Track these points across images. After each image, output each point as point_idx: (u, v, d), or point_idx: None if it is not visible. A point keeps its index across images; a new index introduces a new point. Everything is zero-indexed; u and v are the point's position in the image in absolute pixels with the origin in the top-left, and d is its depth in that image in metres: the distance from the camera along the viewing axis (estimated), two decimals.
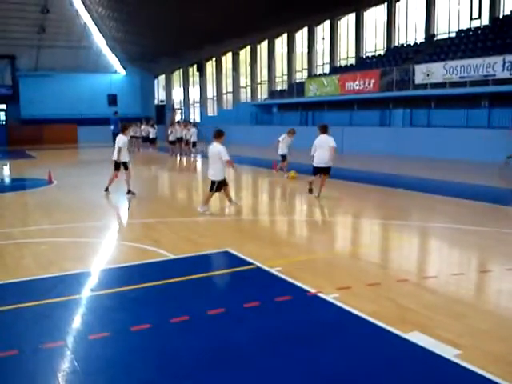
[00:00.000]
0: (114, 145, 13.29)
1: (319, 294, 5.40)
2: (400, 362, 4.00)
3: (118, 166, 12.60)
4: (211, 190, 10.04)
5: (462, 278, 6.06)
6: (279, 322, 4.80)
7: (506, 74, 20.64)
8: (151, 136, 30.07)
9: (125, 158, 12.65)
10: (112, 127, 29.14)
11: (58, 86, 45.06)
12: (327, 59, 35.78)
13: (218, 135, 10.05)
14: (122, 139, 12.62)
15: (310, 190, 12.13)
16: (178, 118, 47.30)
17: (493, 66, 21.12)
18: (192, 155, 25.68)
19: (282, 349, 4.22)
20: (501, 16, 25.43)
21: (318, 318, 4.86)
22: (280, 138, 16.01)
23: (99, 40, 46.08)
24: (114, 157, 12.53)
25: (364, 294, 5.41)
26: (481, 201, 11.18)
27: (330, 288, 5.57)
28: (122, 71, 50.25)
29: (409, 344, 4.25)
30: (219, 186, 10.02)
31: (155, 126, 31.11)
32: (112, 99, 47.82)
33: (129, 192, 12.51)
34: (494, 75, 21.07)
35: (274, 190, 14.67)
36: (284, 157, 15.90)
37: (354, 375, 3.79)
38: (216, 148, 9.94)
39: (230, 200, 10.56)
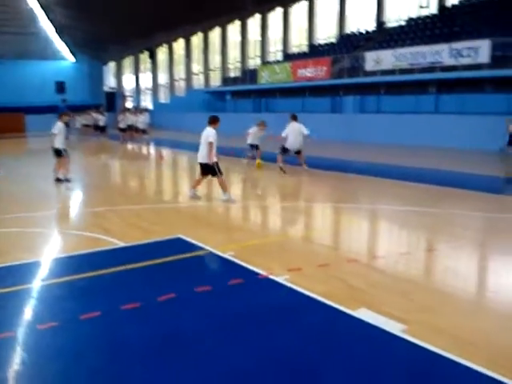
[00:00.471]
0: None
1: (270, 276, 5.44)
2: (349, 338, 4.09)
3: (58, 152, 12.32)
4: (218, 172, 9.82)
5: (408, 257, 6.24)
6: (231, 305, 4.82)
7: (452, 61, 21.23)
8: (101, 124, 29.44)
9: (59, 144, 12.33)
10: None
11: (5, 73, 43.37)
12: (280, 46, 35.86)
13: (213, 121, 9.95)
14: (57, 126, 12.35)
15: (282, 169, 13.51)
16: (129, 105, 46.40)
17: (440, 53, 21.68)
18: (142, 142, 25.32)
19: (233, 331, 4.24)
20: (448, 5, 26.10)
21: (269, 300, 4.90)
22: (250, 130, 15.69)
23: (47, 26, 44.56)
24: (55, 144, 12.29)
25: (314, 275, 5.49)
26: (428, 183, 11.52)
27: (281, 270, 5.62)
28: (70, 58, 48.81)
29: (358, 321, 4.34)
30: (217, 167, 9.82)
31: (105, 114, 30.45)
32: (60, 87, 46.42)
33: (58, 180, 12.31)
34: (441, 62, 21.64)
35: (229, 176, 14.64)
36: (255, 146, 15.50)
37: (305, 354, 3.84)
38: (207, 131, 9.86)
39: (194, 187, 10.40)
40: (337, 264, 5.90)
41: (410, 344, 3.91)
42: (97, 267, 5.92)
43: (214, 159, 9.83)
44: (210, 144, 9.69)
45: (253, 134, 15.51)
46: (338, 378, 3.48)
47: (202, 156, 9.92)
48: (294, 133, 13.67)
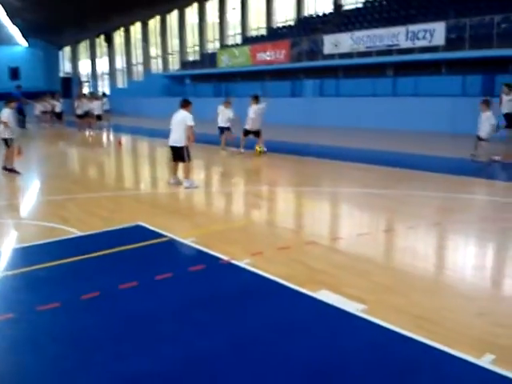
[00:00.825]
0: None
1: (232, 261, 5.46)
2: (310, 319, 4.15)
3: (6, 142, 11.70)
4: (186, 158, 9.63)
5: (368, 238, 6.36)
6: (192, 291, 4.81)
7: (409, 44, 21.56)
8: (57, 110, 28.66)
9: (5, 134, 11.55)
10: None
11: None
12: (239, 29, 35.62)
13: (185, 104, 9.81)
14: (5, 112, 11.51)
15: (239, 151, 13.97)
16: (85, 90, 45.34)
17: (397, 35, 21.97)
18: (100, 129, 24.85)
19: (194, 317, 4.24)
20: None
21: (230, 285, 4.92)
22: (218, 111, 15.38)
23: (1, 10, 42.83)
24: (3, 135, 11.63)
25: (275, 258, 5.54)
26: (387, 166, 11.73)
27: (242, 255, 5.64)
28: (24, 43, 47.20)
29: (318, 302, 4.41)
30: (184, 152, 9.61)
31: (60, 100, 29.66)
32: (14, 72, 44.91)
33: (5, 169, 11.71)
34: (398, 45, 21.94)
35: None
36: (225, 129, 15.13)
37: (267, 337, 3.88)
38: (182, 114, 9.65)
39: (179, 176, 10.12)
40: (298, 247, 5.96)
41: (368, 323, 4.00)
42: (55, 257, 5.80)
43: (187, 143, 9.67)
44: (191, 128, 9.50)
45: (222, 115, 15.16)
46: (299, 360, 3.54)
47: (175, 140, 9.71)
48: (254, 114, 14.03)
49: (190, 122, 9.48)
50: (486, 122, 12.06)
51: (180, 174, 9.99)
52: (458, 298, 4.51)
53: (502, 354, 3.49)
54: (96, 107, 24.59)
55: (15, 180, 11.51)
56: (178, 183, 9.89)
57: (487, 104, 12.19)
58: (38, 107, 29.10)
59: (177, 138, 9.66)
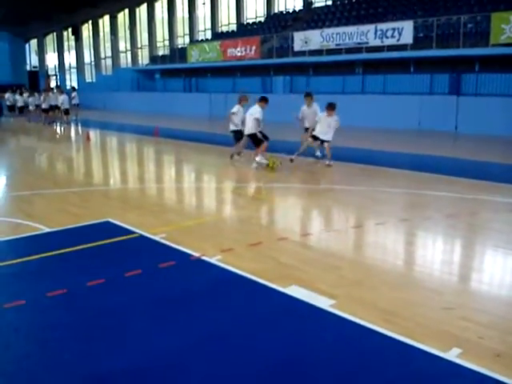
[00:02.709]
0: None
1: (203, 258, 5.43)
2: (280, 315, 4.16)
3: None
4: (263, 139, 11.40)
5: (336, 233, 6.42)
6: (162, 287, 4.77)
7: (377, 42, 21.81)
8: (19, 104, 28.07)
9: None
10: None
11: None
12: (209, 25, 35.45)
13: (262, 100, 11.76)
14: None
15: (232, 156, 12.51)
16: (52, 84, 44.41)
17: (366, 33, 22.19)
18: (67, 123, 24.46)
19: (164, 313, 4.21)
20: None
21: (201, 281, 4.90)
22: (234, 110, 12.14)
23: None
24: None
25: (246, 254, 5.54)
26: (355, 162, 11.86)
27: (213, 251, 5.62)
28: None
29: (288, 298, 4.43)
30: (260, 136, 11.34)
31: (23, 95, 29.08)
32: None
33: None
34: (367, 43, 22.16)
35: (159, 157, 14.43)
36: (239, 134, 12.18)
37: (236, 332, 3.88)
38: (254, 109, 11.54)
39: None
40: (269, 243, 5.97)
41: (337, 318, 4.04)
42: (20, 254, 5.68)
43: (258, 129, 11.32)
44: (257, 120, 11.25)
45: (237, 116, 12.12)
46: (268, 354, 3.54)
47: (248, 128, 11.48)
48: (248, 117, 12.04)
49: (257, 115, 11.31)
50: (332, 125, 11.93)
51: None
52: (426, 293, 4.59)
53: (469, 348, 3.57)
54: (64, 101, 24.17)
55: None
56: (263, 163, 11.18)
57: (333, 108, 12.06)
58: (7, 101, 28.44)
59: (250, 126, 11.41)
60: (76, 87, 32.40)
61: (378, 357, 3.52)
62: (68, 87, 42.37)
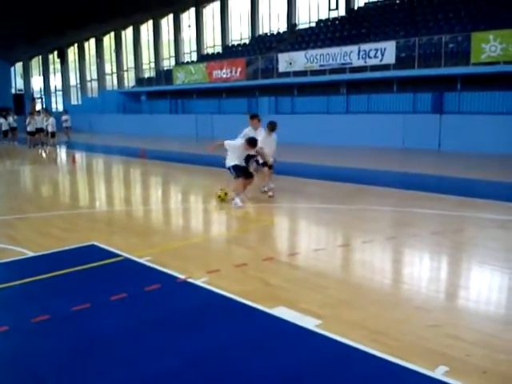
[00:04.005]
0: None
1: (189, 280, 5.39)
2: (267, 336, 4.13)
3: None
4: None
5: (323, 252, 6.41)
6: (147, 311, 4.72)
7: (361, 62, 22.11)
8: (3, 128, 27.97)
9: None
10: None
11: None
12: (194, 47, 35.74)
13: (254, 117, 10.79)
14: None
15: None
16: (38, 107, 44.31)
17: (349, 54, 22.50)
18: (53, 145, 24.42)
19: (150, 337, 4.16)
20: (355, 7, 27.12)
21: (186, 303, 4.86)
22: (259, 137, 10.12)
23: None
24: None
25: (232, 275, 5.51)
26: (341, 181, 11.92)
27: (199, 272, 5.59)
28: None
29: (274, 319, 4.40)
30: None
31: (14, 117, 28.99)
32: None
33: None
34: (351, 63, 22.47)
35: (146, 179, 14.40)
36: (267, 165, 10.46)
37: (224, 355, 3.84)
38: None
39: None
40: (255, 263, 5.95)
41: (324, 338, 4.02)
42: (4, 279, 5.60)
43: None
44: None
45: (265, 144, 10.36)
46: (255, 377, 3.51)
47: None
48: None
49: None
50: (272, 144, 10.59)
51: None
52: (412, 310, 4.59)
53: (455, 366, 3.56)
54: (52, 124, 24.26)
55: None
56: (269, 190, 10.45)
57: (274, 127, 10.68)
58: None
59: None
60: (67, 110, 32.42)
61: (364, 376, 3.50)
62: (54, 110, 42.33)
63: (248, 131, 10.81)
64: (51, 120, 24.52)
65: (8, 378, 3.62)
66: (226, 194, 9.83)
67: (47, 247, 6.82)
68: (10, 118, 28.26)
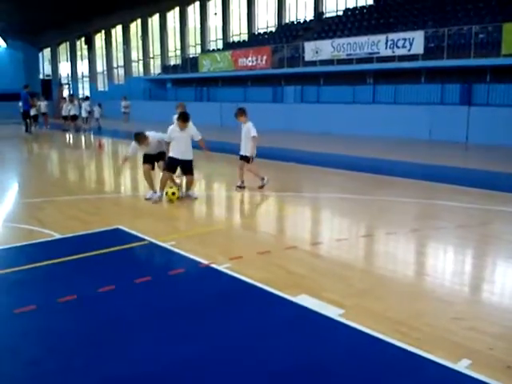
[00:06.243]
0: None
1: (212, 265, 5.44)
2: (289, 324, 4.16)
3: None
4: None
5: (346, 243, 6.40)
6: (171, 295, 4.80)
7: (388, 52, 21.79)
8: (32, 113, 28.35)
9: None
10: (21, 103, 25.26)
11: None
12: (220, 35, 35.65)
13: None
14: None
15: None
16: (65, 93, 44.82)
17: (377, 44, 22.18)
18: (84, 131, 24.85)
19: (173, 321, 4.22)
20: None
21: (210, 289, 4.91)
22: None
23: None
24: None
25: (255, 263, 5.54)
26: (366, 172, 11.83)
27: (222, 259, 5.63)
28: (2, 43, 46.47)
29: (297, 307, 4.42)
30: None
31: (38, 103, 29.34)
32: None
33: None
34: (378, 53, 22.16)
35: None
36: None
37: (246, 341, 3.88)
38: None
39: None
40: (278, 251, 5.97)
41: (346, 327, 4.02)
42: (32, 260, 5.73)
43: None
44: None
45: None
46: (277, 363, 3.54)
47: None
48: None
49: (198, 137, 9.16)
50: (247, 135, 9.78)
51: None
52: (436, 303, 4.56)
53: (479, 359, 3.54)
54: (71, 109, 24.85)
55: None
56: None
57: (243, 113, 9.91)
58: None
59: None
60: (126, 97, 32.93)
61: (387, 367, 3.51)
62: (81, 96, 42.77)
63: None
64: (70, 106, 25.20)
65: (36, 356, 3.72)
66: (173, 193, 8.71)
67: (74, 230, 6.95)
68: (41, 103, 28.62)
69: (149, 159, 9.13)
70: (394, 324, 4.08)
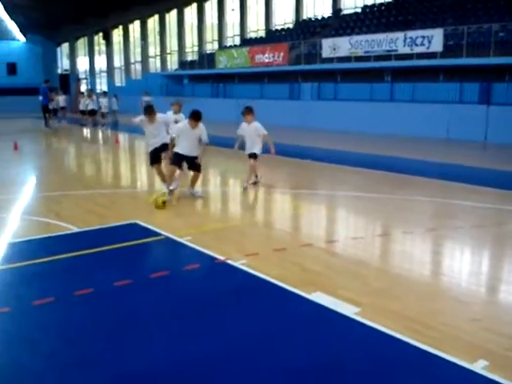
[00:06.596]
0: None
1: (228, 261, 5.46)
2: (304, 321, 4.16)
3: None
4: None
5: (362, 241, 6.38)
6: (187, 290, 4.83)
7: (407, 50, 21.60)
8: (51, 107, 28.60)
9: None
10: (41, 98, 25.39)
11: None
12: (237, 31, 35.63)
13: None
14: None
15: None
16: (83, 88, 45.17)
17: (395, 41, 22.01)
18: (102, 126, 25.05)
19: (188, 315, 4.25)
20: None
21: (225, 285, 4.93)
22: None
23: None
24: None
25: (270, 259, 5.55)
26: (383, 170, 11.76)
27: (238, 255, 5.65)
28: (21, 38, 47.01)
29: (312, 304, 4.43)
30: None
31: (57, 97, 29.60)
32: (11, 68, 44.70)
33: None
34: (397, 50, 21.98)
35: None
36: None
37: (260, 337, 3.89)
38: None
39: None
40: (293, 248, 5.97)
41: (362, 326, 4.02)
42: (50, 253, 5.80)
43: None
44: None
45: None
46: (291, 361, 3.54)
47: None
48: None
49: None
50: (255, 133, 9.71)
51: None
52: (452, 303, 4.54)
53: (495, 360, 3.51)
54: (89, 104, 25.05)
55: (11, 175, 11.47)
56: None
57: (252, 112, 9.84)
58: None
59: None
60: (148, 92, 33.07)
61: (402, 366, 3.50)
62: (99, 91, 43.08)
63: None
64: (105, 101, 25.49)
65: (53, 348, 3.77)
66: (164, 202, 8.06)
67: (91, 223, 7.02)
68: (59, 98, 28.85)
69: (155, 157, 9.15)
70: (410, 323, 4.06)
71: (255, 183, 9.88)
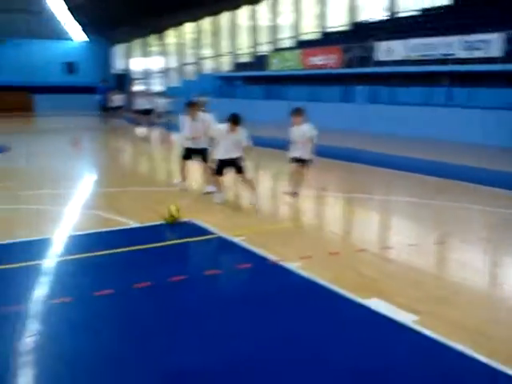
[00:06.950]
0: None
1: (281, 263, 5.47)
2: (360, 327, 4.12)
3: None
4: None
5: (418, 248, 6.25)
6: (239, 289, 4.90)
7: (465, 54, 21.04)
8: (108, 106, 29.34)
9: None
10: (97, 97, 25.93)
11: (15, 52, 43.08)
12: (291, 33, 35.65)
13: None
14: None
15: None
16: (136, 88, 46.15)
17: (452, 45, 21.48)
18: (158, 125, 25.55)
19: (238, 316, 4.30)
20: None
21: (279, 286, 4.95)
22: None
23: (54, 5, 44.27)
24: None
25: (325, 263, 5.52)
26: (439, 176, 11.47)
27: (291, 257, 5.65)
28: (80, 38, 48.63)
29: (369, 310, 4.37)
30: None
31: (115, 96, 30.37)
32: (70, 67, 46.29)
33: None
34: (454, 54, 21.44)
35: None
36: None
37: (313, 341, 3.88)
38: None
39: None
40: (348, 253, 5.92)
41: (420, 335, 3.94)
42: (110, 246, 6.00)
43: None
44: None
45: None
46: (344, 367, 3.52)
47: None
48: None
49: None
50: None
51: None
52: None
53: None
54: (141, 104, 25.42)
55: (73, 169, 11.89)
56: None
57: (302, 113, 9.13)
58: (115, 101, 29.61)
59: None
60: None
61: (462, 377, 3.42)
62: (154, 91, 43.96)
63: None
64: (161, 101, 25.82)
65: (111, 338, 3.91)
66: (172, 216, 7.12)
67: (148, 219, 7.19)
68: (117, 97, 29.54)
69: (188, 155, 9.34)
70: (471, 334, 3.95)
71: (295, 194, 8.76)
